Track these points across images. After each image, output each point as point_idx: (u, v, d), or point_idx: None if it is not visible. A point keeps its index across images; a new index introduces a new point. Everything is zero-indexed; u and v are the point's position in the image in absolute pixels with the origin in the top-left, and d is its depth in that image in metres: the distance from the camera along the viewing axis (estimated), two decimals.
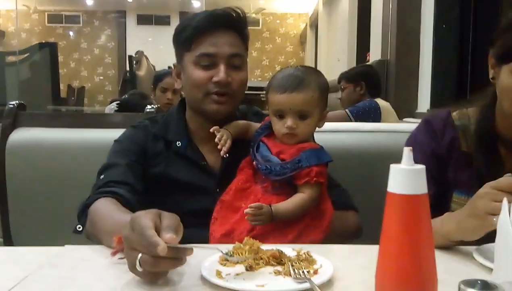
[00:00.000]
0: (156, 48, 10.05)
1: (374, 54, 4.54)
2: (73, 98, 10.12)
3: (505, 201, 0.73)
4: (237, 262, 0.89)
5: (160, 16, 12.30)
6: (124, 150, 1.33)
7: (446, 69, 3.48)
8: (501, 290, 0.55)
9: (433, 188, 1.04)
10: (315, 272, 0.86)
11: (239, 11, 1.34)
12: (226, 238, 1.16)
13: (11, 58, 8.69)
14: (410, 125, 1.86)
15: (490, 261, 0.91)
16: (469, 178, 1.17)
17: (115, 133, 1.41)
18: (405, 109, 3.71)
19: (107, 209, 1.13)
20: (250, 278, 0.85)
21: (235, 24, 1.33)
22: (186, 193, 1.30)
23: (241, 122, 1.34)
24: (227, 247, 0.93)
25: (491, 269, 0.88)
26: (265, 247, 0.95)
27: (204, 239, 1.16)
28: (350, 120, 2.93)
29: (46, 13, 12.48)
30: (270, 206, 1.14)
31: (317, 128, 1.28)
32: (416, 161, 0.66)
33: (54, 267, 0.93)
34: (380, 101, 3.09)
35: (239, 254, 0.88)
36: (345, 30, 6.58)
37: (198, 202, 1.28)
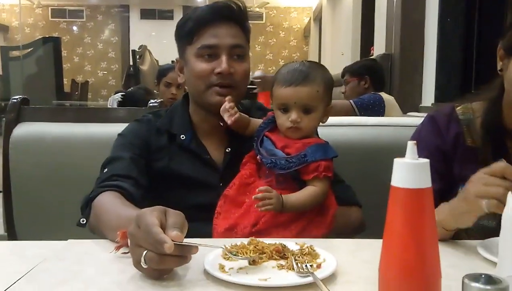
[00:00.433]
0: (159, 42, 10.06)
1: (378, 48, 4.53)
2: (76, 93, 10.14)
3: (510, 195, 0.73)
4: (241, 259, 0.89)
5: (163, 10, 12.31)
6: (127, 143, 1.33)
7: (451, 63, 3.46)
8: (505, 284, 0.54)
9: (438, 184, 1.04)
10: (318, 266, 0.86)
11: (240, 4, 1.34)
12: (229, 232, 1.16)
13: (14, 53, 8.70)
14: (414, 119, 1.86)
15: (493, 255, 0.90)
16: (474, 172, 1.17)
17: (119, 127, 1.41)
18: (409, 103, 3.69)
19: (111, 203, 1.13)
20: (253, 272, 0.85)
21: (236, 16, 1.33)
22: (190, 187, 1.30)
23: (243, 115, 1.34)
24: (232, 242, 0.93)
25: (494, 263, 0.88)
26: (268, 241, 0.95)
27: (207, 233, 1.16)
28: (354, 111, 2.92)
29: (49, 8, 12.51)
30: (280, 194, 1.14)
31: (320, 123, 1.27)
32: (421, 157, 0.65)
33: (58, 261, 0.93)
34: (384, 95, 3.08)
35: (243, 254, 0.88)
36: (349, 24, 6.56)
37: (202, 196, 1.28)
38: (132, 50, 6.16)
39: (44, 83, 7.77)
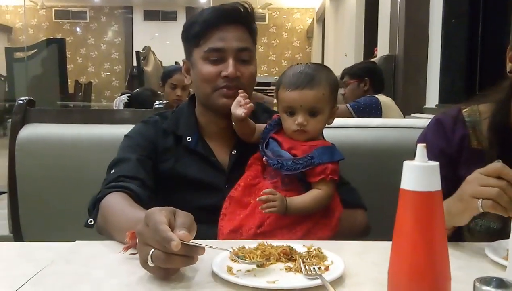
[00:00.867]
0: (162, 43, 10.06)
1: (382, 49, 4.52)
2: (80, 94, 10.16)
3: None
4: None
5: (166, 12, 12.32)
6: (134, 145, 1.33)
7: (455, 64, 3.45)
8: None
9: (444, 187, 1.04)
10: (326, 268, 0.86)
11: (247, 6, 1.34)
12: (234, 233, 1.16)
13: (19, 54, 8.72)
14: (418, 121, 1.85)
15: (502, 257, 0.90)
16: None
17: (124, 129, 1.41)
18: (413, 105, 3.69)
19: (119, 204, 1.13)
20: (261, 274, 0.85)
21: (243, 19, 1.33)
22: (195, 188, 1.30)
23: (250, 121, 1.33)
24: (239, 244, 0.93)
25: (503, 266, 0.88)
26: (275, 243, 0.95)
27: (212, 235, 1.17)
28: (351, 115, 2.94)
29: (53, 9, 12.53)
30: (285, 197, 1.14)
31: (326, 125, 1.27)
32: None
33: (66, 263, 0.93)
34: (381, 97, 3.10)
35: (250, 258, 0.88)
36: (352, 25, 6.55)
37: (207, 198, 1.28)
38: (136, 52, 6.16)
39: (48, 84, 7.79)
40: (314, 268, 0.85)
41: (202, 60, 1.30)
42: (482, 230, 1.14)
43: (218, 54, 1.29)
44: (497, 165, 0.94)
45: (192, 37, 1.32)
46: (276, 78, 8.28)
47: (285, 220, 1.16)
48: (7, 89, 8.72)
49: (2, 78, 8.99)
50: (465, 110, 1.25)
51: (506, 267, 0.77)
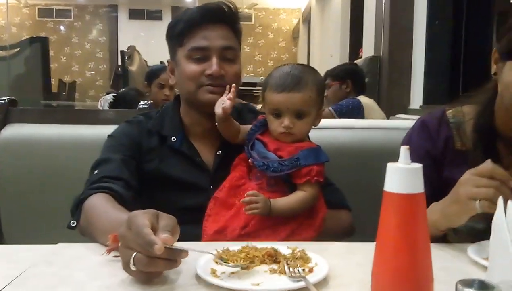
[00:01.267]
0: (148, 43, 10.01)
1: (367, 50, 4.55)
2: (64, 93, 10.04)
3: (500, 199, 0.73)
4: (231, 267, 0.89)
5: (152, 11, 12.25)
6: (118, 145, 1.32)
7: (439, 65, 3.49)
8: (498, 289, 0.55)
9: (428, 189, 1.04)
10: (310, 270, 0.86)
11: (231, 6, 1.34)
12: (219, 234, 1.16)
13: (1, 53, 8.60)
14: (403, 122, 1.87)
15: (483, 258, 0.91)
16: None
17: (108, 129, 1.40)
18: (398, 105, 3.72)
19: (102, 206, 1.12)
20: (245, 276, 0.85)
21: (227, 18, 1.33)
22: (180, 189, 1.29)
23: (234, 122, 1.33)
24: (223, 247, 0.93)
25: (484, 266, 0.89)
26: (260, 245, 0.95)
27: (197, 235, 1.16)
28: (334, 117, 2.98)
29: (36, 7, 12.39)
30: (268, 199, 1.14)
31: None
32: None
33: (48, 265, 0.92)
34: (363, 99, 3.15)
35: (234, 261, 0.87)
36: (338, 26, 6.58)
37: (192, 198, 1.27)
38: (120, 51, 6.12)
39: (32, 83, 7.69)
40: (298, 270, 0.85)
41: (186, 59, 1.30)
42: (466, 230, 1.15)
43: (202, 53, 1.29)
44: (488, 165, 0.95)
45: (176, 36, 1.32)
46: (262, 78, 8.29)
47: (270, 221, 1.16)
48: None
49: None
50: (449, 111, 1.26)
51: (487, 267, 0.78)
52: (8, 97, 1.75)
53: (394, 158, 0.67)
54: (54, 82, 9.98)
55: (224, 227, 1.17)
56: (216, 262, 0.89)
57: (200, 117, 1.34)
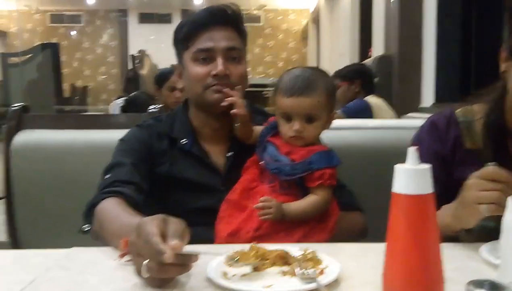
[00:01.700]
0: (158, 46, 10.05)
1: (377, 49, 4.53)
2: (76, 97, 10.15)
3: (510, 199, 0.73)
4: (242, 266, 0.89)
5: (161, 14, 12.32)
6: (129, 149, 1.33)
7: (450, 63, 3.47)
8: (509, 290, 0.54)
9: (438, 189, 1.04)
10: (322, 272, 0.86)
11: (235, 7, 1.35)
12: (232, 237, 1.16)
13: (14, 60, 8.71)
14: (414, 121, 1.85)
15: (497, 258, 0.91)
16: None
17: (119, 133, 1.41)
18: (409, 104, 3.70)
19: (114, 210, 1.13)
20: (257, 278, 0.85)
21: (231, 20, 1.33)
22: (191, 191, 1.30)
23: (248, 123, 1.33)
24: (234, 249, 0.93)
25: (497, 266, 0.88)
26: (271, 247, 0.95)
27: (209, 237, 1.16)
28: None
29: (48, 13, 12.51)
30: (281, 203, 1.14)
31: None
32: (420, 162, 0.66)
33: (62, 270, 0.93)
34: (371, 99, 3.15)
35: (244, 260, 0.88)
36: (347, 26, 6.56)
37: (203, 200, 1.28)
38: (130, 55, 6.17)
39: (44, 89, 7.78)
40: (309, 271, 0.85)
41: (192, 61, 1.31)
42: (477, 229, 1.14)
43: (207, 54, 1.29)
44: (490, 169, 0.95)
45: (182, 39, 1.33)
46: (272, 79, 8.29)
47: (283, 224, 1.16)
48: (3, 95, 8.69)
49: None
50: (458, 110, 1.25)
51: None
52: (21, 103, 1.77)
53: (405, 157, 0.67)
54: (66, 87, 10.08)
55: (237, 229, 1.17)
56: (228, 264, 0.90)
57: (209, 119, 1.35)
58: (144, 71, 5.79)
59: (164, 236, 0.80)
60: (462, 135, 1.21)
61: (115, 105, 3.86)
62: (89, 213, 1.19)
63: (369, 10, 5.13)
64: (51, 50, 8.06)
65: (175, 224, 0.83)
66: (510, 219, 0.72)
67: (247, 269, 0.88)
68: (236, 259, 0.87)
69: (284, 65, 12.39)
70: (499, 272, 0.73)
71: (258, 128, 1.31)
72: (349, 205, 1.33)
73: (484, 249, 0.96)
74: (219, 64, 1.28)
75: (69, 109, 8.46)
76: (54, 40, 11.65)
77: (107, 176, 1.26)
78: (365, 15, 5.68)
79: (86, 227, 1.19)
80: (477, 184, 0.95)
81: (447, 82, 3.48)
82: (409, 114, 3.45)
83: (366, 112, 3.05)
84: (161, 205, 1.29)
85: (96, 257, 1.00)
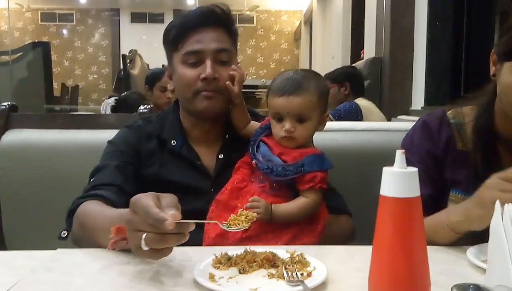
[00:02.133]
0: (150, 46, 10.01)
1: (368, 52, 4.54)
2: (67, 97, 10.07)
3: (497, 203, 0.73)
4: (231, 266, 0.89)
5: (154, 14, 12.27)
6: (115, 151, 1.32)
7: (440, 66, 3.48)
8: None
9: (430, 188, 1.04)
10: (309, 274, 0.86)
11: (224, 7, 1.34)
12: (221, 238, 1.16)
13: (4, 58, 8.63)
14: (403, 123, 1.86)
15: (482, 261, 0.91)
16: (466, 176, 1.18)
17: (109, 134, 1.40)
18: (399, 107, 3.71)
19: (95, 209, 1.13)
20: (243, 281, 0.85)
21: (220, 21, 1.32)
22: (181, 193, 1.27)
23: (246, 110, 1.34)
24: (222, 251, 0.93)
25: (484, 269, 0.88)
26: (258, 249, 0.95)
27: (198, 240, 1.16)
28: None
29: (39, 12, 12.42)
30: (270, 204, 1.14)
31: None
32: (413, 162, 0.66)
33: (47, 272, 0.92)
34: (361, 101, 3.17)
35: (236, 225, 0.92)
36: (339, 28, 6.58)
37: (192, 202, 1.27)
38: (122, 55, 6.13)
39: (34, 88, 7.71)
40: (296, 274, 0.85)
41: (181, 64, 1.30)
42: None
43: (196, 57, 1.28)
44: None
45: (171, 41, 1.33)
46: (264, 80, 8.28)
47: (271, 226, 1.16)
48: None
49: None
50: (449, 112, 1.26)
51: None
52: (9, 102, 1.75)
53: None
54: (57, 86, 10.01)
55: (225, 230, 1.17)
56: (215, 266, 0.89)
57: (199, 121, 1.35)
58: (135, 71, 5.77)
59: (159, 209, 0.81)
60: (454, 136, 1.21)
61: (106, 105, 3.84)
62: (68, 218, 1.18)
63: (361, 12, 5.14)
64: (42, 49, 7.98)
65: (168, 197, 0.86)
66: (498, 222, 0.72)
67: (234, 271, 0.88)
68: (228, 225, 0.92)
69: (276, 66, 12.39)
70: (487, 275, 0.73)
71: (255, 124, 1.31)
72: (338, 208, 1.33)
73: (471, 251, 0.96)
74: (208, 67, 1.27)
75: (60, 109, 8.40)
76: (45, 39, 11.56)
77: (91, 180, 1.26)
78: (357, 17, 5.69)
79: (64, 234, 1.18)
80: (498, 184, 0.93)
81: (437, 85, 3.49)
82: (399, 117, 3.47)
83: (356, 114, 3.06)
84: None
85: (81, 259, 0.99)
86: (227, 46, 1.31)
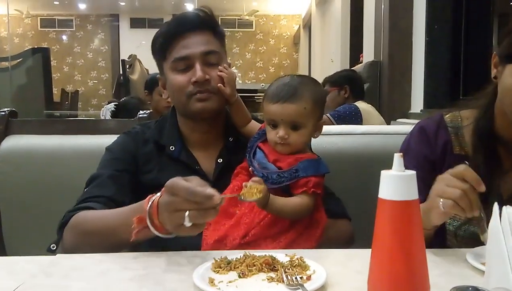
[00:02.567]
0: (149, 51, 10.00)
1: (367, 55, 4.55)
2: (67, 102, 10.08)
3: (495, 206, 0.73)
4: (230, 270, 0.89)
5: (153, 19, 12.29)
6: (112, 159, 1.33)
7: (439, 69, 3.49)
8: None
9: (424, 195, 1.04)
10: (308, 278, 0.86)
11: (207, 10, 1.34)
12: (219, 244, 1.16)
13: (3, 64, 8.64)
14: (402, 126, 1.86)
15: (482, 263, 0.91)
16: None
17: (108, 139, 1.40)
18: (398, 110, 3.72)
19: (94, 214, 1.16)
20: (243, 285, 0.85)
21: (205, 24, 1.32)
22: None
23: (246, 109, 1.35)
24: (221, 255, 0.93)
25: (483, 272, 0.88)
26: (258, 253, 0.95)
27: (196, 245, 1.16)
28: (332, 124, 2.99)
29: (38, 18, 12.45)
30: (269, 193, 1.12)
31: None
32: (410, 167, 0.66)
33: (47, 277, 0.92)
34: (361, 104, 3.17)
35: (250, 195, 1.02)
36: (338, 31, 6.59)
37: None
38: (121, 60, 6.14)
39: (34, 93, 7.72)
40: (296, 278, 0.85)
41: (172, 72, 1.31)
42: (465, 235, 1.15)
43: (184, 63, 1.29)
44: (461, 167, 0.96)
45: (158, 51, 1.34)
46: (263, 85, 8.27)
47: (270, 231, 1.16)
48: None
49: None
50: (447, 116, 1.26)
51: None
52: (9, 108, 1.75)
53: None
54: (56, 92, 10.02)
55: (224, 236, 1.17)
56: (214, 271, 0.89)
57: (196, 125, 1.35)
58: (134, 76, 5.78)
59: None
60: (452, 140, 1.21)
61: (106, 110, 3.84)
62: (60, 231, 1.18)
63: (360, 16, 5.15)
64: (41, 55, 8.00)
65: (195, 179, 0.94)
66: (496, 224, 0.72)
67: (233, 275, 0.88)
68: (242, 196, 1.00)
69: (275, 70, 12.41)
70: (485, 277, 0.73)
71: (255, 124, 1.32)
72: (337, 212, 1.33)
73: (470, 254, 0.96)
74: (198, 71, 1.27)
75: (59, 114, 8.40)
76: (44, 45, 11.58)
77: (85, 190, 1.27)
78: (356, 21, 5.70)
79: (53, 247, 1.19)
80: (446, 179, 0.96)
81: (436, 88, 3.50)
82: (399, 120, 3.47)
83: (355, 116, 3.06)
84: None
85: (81, 264, 0.99)
86: (215, 48, 1.32)
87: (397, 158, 0.65)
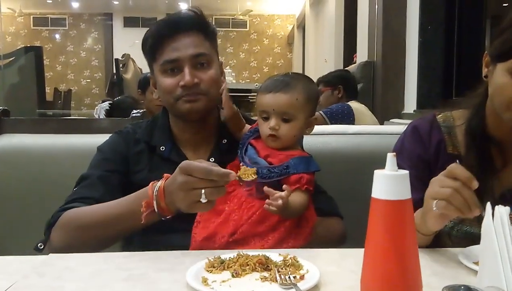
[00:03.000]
0: None
1: (361, 55, 4.56)
2: (59, 101, 10.02)
3: (488, 205, 0.74)
4: (223, 269, 0.89)
5: (147, 18, 12.24)
6: (103, 159, 1.33)
7: (432, 70, 3.51)
8: None
9: (421, 193, 1.05)
10: (302, 277, 0.86)
11: (197, 10, 1.33)
12: (208, 241, 1.16)
13: None
14: (395, 127, 1.87)
15: (474, 262, 0.91)
16: None
17: (101, 138, 1.40)
18: (392, 110, 3.73)
19: (86, 208, 1.17)
20: (236, 284, 0.85)
21: (195, 24, 1.31)
22: None
23: (240, 115, 1.35)
24: (213, 254, 0.93)
25: (475, 271, 0.89)
26: (251, 252, 0.95)
27: (186, 244, 1.16)
28: (325, 121, 3.00)
29: (31, 16, 12.38)
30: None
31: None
32: (404, 167, 0.66)
33: (39, 277, 0.92)
34: (354, 104, 3.18)
35: (246, 176, 1.08)
36: (332, 32, 6.60)
37: None
38: (115, 59, 6.11)
39: (26, 93, 7.67)
40: (289, 277, 0.85)
41: (161, 74, 1.31)
42: (460, 235, 1.15)
43: (173, 65, 1.29)
44: (452, 166, 0.96)
45: (148, 52, 1.33)
46: (257, 84, 8.28)
47: (258, 229, 1.16)
48: None
49: None
50: (439, 116, 1.27)
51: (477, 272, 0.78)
52: (1, 107, 1.74)
53: None
54: (49, 91, 9.97)
55: (213, 233, 1.17)
56: (208, 270, 0.89)
57: (187, 125, 1.35)
58: (128, 75, 5.75)
59: None
60: (445, 139, 1.22)
61: (100, 109, 3.82)
62: (48, 231, 1.18)
63: (353, 17, 5.17)
64: (34, 54, 7.94)
65: (204, 161, 1.02)
66: (489, 224, 0.72)
67: (227, 274, 0.88)
68: (238, 177, 1.05)
69: (269, 70, 12.41)
70: (478, 276, 0.74)
71: (248, 127, 1.32)
72: (329, 211, 1.33)
73: (463, 254, 0.97)
74: (186, 75, 1.27)
75: (52, 113, 8.35)
76: (37, 44, 11.52)
77: (74, 189, 1.27)
78: (350, 21, 5.72)
79: (41, 245, 1.19)
80: (439, 181, 0.96)
81: (429, 88, 3.51)
82: (392, 120, 3.48)
83: (348, 115, 3.07)
84: None
85: (73, 264, 0.99)
86: (205, 50, 1.31)
87: (390, 158, 0.65)
